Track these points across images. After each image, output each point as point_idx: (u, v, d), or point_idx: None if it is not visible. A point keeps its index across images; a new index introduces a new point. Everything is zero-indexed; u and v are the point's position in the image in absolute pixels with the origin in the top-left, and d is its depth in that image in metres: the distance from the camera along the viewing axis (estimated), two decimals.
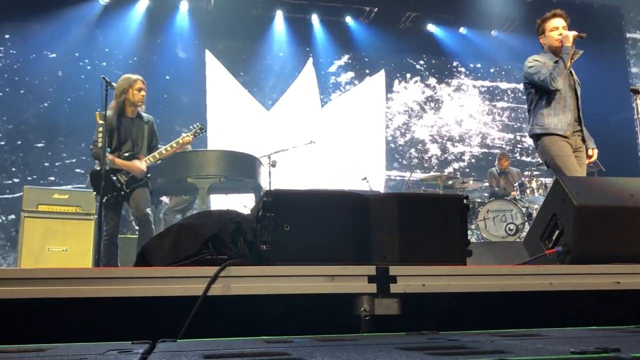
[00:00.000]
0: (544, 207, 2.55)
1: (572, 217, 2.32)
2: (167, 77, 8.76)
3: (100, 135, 4.18)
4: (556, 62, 3.70)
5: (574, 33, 3.69)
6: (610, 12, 8.73)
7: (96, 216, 5.57)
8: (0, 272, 1.67)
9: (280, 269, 1.83)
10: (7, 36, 8.20)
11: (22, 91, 8.11)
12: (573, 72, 3.85)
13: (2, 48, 8.12)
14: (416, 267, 1.92)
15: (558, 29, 3.76)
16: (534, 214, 6.35)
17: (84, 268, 2.17)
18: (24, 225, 5.41)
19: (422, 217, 2.11)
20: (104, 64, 8.43)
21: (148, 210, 4.60)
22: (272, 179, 6.93)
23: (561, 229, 2.41)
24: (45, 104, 8.22)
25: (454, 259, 2.10)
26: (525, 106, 4.07)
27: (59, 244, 5.48)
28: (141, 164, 4.52)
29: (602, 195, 2.43)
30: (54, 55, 8.34)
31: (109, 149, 4.28)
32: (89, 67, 8.34)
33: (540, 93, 3.76)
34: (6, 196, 7.72)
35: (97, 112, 4.27)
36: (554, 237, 2.44)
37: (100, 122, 4.20)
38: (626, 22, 8.81)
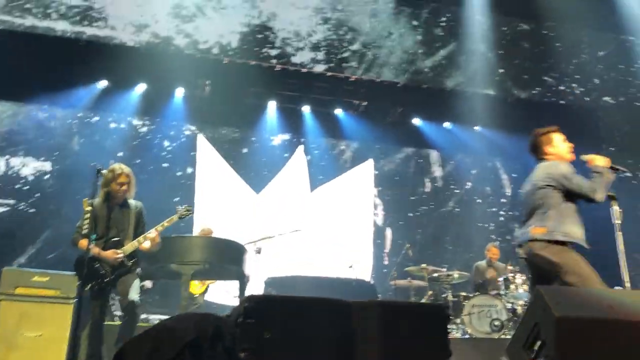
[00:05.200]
0: (527, 315, 2.57)
1: (553, 329, 2.33)
2: (160, 161, 8.91)
3: (86, 222, 4.20)
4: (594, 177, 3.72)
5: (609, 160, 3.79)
6: (587, 112, 9.14)
7: (76, 300, 5.45)
8: None
9: None
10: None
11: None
12: None
13: None
14: None
15: (567, 140, 3.98)
16: (519, 310, 6.31)
17: None
18: (0, 308, 5.25)
19: (404, 327, 2.11)
20: (99, 146, 8.58)
21: (135, 297, 4.51)
22: (259, 265, 6.90)
23: (543, 340, 2.41)
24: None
25: None
26: None
27: (34, 329, 5.28)
28: (116, 254, 4.47)
29: (583, 306, 2.45)
30: (50, 137, 8.50)
31: (94, 236, 4.28)
32: (84, 150, 8.49)
33: (564, 199, 3.72)
34: None
35: (85, 200, 4.31)
36: (535, 348, 2.43)
37: (87, 209, 4.24)
38: (602, 122, 9.24)
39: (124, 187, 4.63)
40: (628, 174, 3.89)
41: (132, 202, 4.80)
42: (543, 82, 9.08)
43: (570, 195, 3.70)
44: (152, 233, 4.67)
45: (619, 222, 3.84)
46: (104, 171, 4.47)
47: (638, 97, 9.37)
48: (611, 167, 3.77)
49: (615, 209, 3.87)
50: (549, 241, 3.64)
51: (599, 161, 3.76)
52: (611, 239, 3.94)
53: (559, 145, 3.96)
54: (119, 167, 4.70)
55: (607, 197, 3.79)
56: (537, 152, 4.02)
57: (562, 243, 3.63)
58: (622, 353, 2.40)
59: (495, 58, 8.89)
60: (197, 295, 6.98)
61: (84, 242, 4.37)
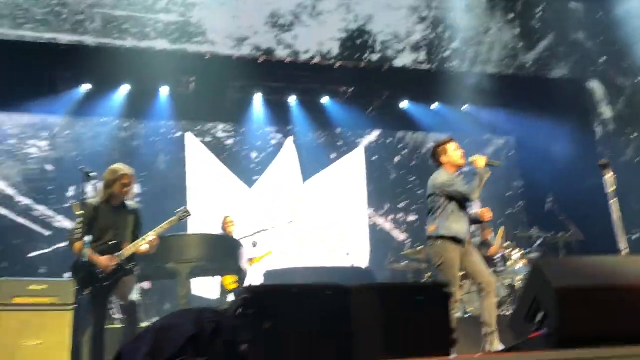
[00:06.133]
0: (525, 290, 2.56)
1: (554, 300, 2.32)
2: (149, 161, 8.82)
3: (79, 226, 4.14)
4: (474, 179, 4.41)
5: (487, 158, 4.50)
6: (574, 86, 9.11)
7: (75, 306, 5.40)
8: None
9: None
10: None
11: None
12: None
13: None
14: None
15: (459, 148, 4.57)
16: (517, 285, 6.33)
17: None
18: None
19: (404, 308, 2.09)
20: (85, 152, 8.49)
21: (134, 297, 4.48)
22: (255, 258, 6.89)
23: (544, 312, 2.40)
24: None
25: (439, 349, 2.08)
26: None
27: (34, 337, 5.22)
28: (110, 261, 4.40)
29: (582, 275, 2.44)
30: (34, 145, 8.39)
31: (89, 240, 4.22)
32: (70, 156, 8.39)
33: (449, 202, 4.40)
34: None
35: (75, 204, 4.25)
36: (537, 320, 2.43)
37: (79, 212, 4.17)
38: (589, 95, 9.22)
39: (127, 189, 4.54)
40: (498, 165, 4.74)
41: (130, 203, 4.68)
42: (529, 57, 9.04)
43: (452, 198, 4.40)
44: (152, 236, 4.59)
45: (613, 189, 3.84)
46: (93, 173, 4.39)
47: (622, 69, 9.33)
48: (487, 164, 4.45)
49: (608, 176, 3.87)
50: (437, 237, 4.37)
51: (480, 162, 4.45)
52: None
53: (452, 154, 4.55)
54: (122, 167, 4.57)
55: (599, 166, 3.86)
56: (435, 161, 4.67)
57: (446, 238, 4.33)
58: (624, 318, 2.40)
59: (477, 35, 8.83)
60: (231, 290, 6.87)
61: (78, 246, 4.29)
